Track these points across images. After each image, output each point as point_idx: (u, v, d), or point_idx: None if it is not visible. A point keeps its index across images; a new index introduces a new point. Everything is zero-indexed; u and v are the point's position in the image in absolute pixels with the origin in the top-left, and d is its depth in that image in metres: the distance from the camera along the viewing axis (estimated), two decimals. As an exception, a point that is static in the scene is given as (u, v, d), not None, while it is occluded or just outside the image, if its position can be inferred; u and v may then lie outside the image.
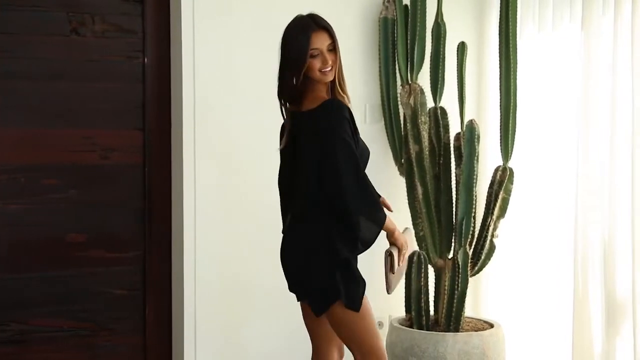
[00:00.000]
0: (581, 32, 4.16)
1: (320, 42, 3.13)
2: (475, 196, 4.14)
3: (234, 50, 4.24)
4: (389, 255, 3.17)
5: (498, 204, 4.19)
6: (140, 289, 4.30)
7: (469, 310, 4.46)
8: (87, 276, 4.20)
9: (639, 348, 3.93)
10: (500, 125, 4.20)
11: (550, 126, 4.41)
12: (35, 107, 4.08)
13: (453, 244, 4.21)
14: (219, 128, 4.21)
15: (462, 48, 4.22)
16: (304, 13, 4.32)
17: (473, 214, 4.14)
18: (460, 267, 4.11)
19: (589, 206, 4.14)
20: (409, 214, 4.33)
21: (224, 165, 4.23)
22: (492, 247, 4.25)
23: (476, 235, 4.22)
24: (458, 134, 4.21)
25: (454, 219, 4.21)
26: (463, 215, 4.12)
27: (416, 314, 4.20)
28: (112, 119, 4.22)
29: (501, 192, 4.19)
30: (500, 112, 4.20)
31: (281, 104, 3.26)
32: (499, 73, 4.19)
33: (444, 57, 4.29)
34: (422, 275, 4.17)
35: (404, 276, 3.24)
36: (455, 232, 4.19)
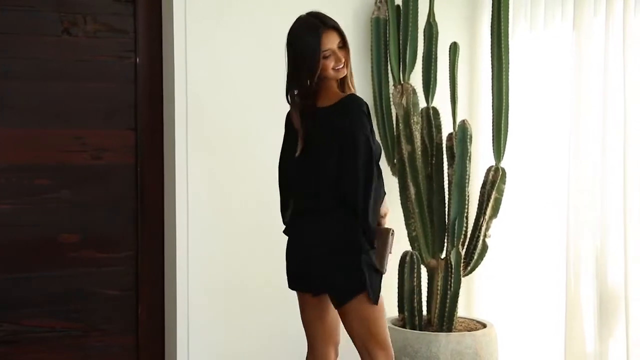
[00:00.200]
0: (573, 31, 4.17)
1: (331, 42, 3.18)
2: (468, 196, 4.14)
3: (226, 50, 4.24)
4: (392, 234, 3.25)
5: (490, 204, 4.20)
6: (133, 289, 4.30)
7: (461, 310, 4.46)
8: (79, 276, 4.19)
9: (632, 347, 3.94)
10: (493, 125, 4.21)
11: (542, 126, 4.42)
12: (27, 107, 4.07)
13: (446, 244, 4.21)
14: (211, 127, 4.21)
15: (454, 48, 4.22)
16: (298, 12, 4.35)
17: (465, 214, 4.14)
18: (453, 267, 4.11)
19: (581, 206, 4.15)
20: (402, 214, 4.33)
21: (216, 165, 4.23)
22: (485, 247, 4.26)
23: (469, 236, 4.23)
24: (450, 134, 4.21)
25: (446, 219, 4.21)
26: (455, 215, 4.12)
27: (409, 314, 4.20)
28: (104, 119, 4.21)
29: (493, 192, 4.19)
30: (493, 112, 4.21)
31: (293, 103, 3.27)
32: (490, 73, 4.20)
33: (436, 57, 4.29)
34: (415, 275, 4.17)
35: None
36: (447, 232, 4.19)
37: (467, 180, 4.11)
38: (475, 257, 4.23)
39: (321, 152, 3.19)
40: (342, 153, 3.14)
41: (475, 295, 4.76)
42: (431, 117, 4.25)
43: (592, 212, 4.11)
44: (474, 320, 4.36)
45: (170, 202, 4.22)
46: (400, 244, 4.04)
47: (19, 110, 4.06)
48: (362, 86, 4.48)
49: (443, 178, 4.24)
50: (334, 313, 3.33)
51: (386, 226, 3.31)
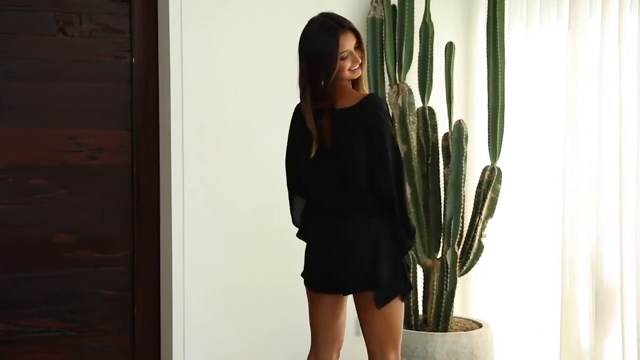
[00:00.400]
0: (568, 31, 4.18)
1: (348, 43, 3.19)
2: (464, 196, 4.14)
3: (222, 50, 4.23)
4: None
5: (486, 204, 4.20)
6: (129, 289, 4.29)
7: (457, 310, 4.46)
8: (75, 277, 4.19)
9: (627, 346, 3.95)
10: (488, 125, 4.21)
11: (538, 126, 4.42)
12: (22, 107, 4.07)
13: (441, 244, 4.22)
14: (207, 128, 4.20)
15: (450, 48, 4.22)
16: (294, 12, 4.35)
17: (461, 214, 4.15)
18: (449, 267, 4.12)
19: (576, 206, 4.15)
20: (398, 214, 4.33)
21: (212, 165, 4.22)
22: (481, 247, 4.26)
23: (464, 235, 4.23)
24: (446, 134, 4.21)
25: (442, 219, 4.22)
26: (451, 215, 4.12)
27: (405, 314, 4.20)
28: (100, 119, 4.20)
29: (489, 192, 4.19)
30: (488, 112, 4.21)
31: (306, 105, 3.23)
32: (486, 73, 4.20)
33: (432, 57, 4.29)
34: (411, 275, 4.17)
35: None
36: (443, 232, 4.19)
37: (463, 180, 4.12)
38: (471, 257, 4.23)
39: (348, 152, 3.18)
40: (372, 152, 3.15)
41: (471, 295, 4.77)
42: (427, 117, 4.26)
43: (587, 212, 4.11)
44: (469, 320, 4.37)
45: (166, 202, 4.22)
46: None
47: (15, 110, 4.05)
48: (358, 86, 4.49)
49: (439, 178, 4.24)
50: (344, 316, 3.36)
51: None
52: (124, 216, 4.26)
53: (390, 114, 3.22)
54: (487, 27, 4.19)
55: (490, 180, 4.19)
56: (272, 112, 4.32)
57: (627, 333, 3.95)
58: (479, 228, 4.21)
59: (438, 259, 4.23)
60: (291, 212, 3.42)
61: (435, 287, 4.20)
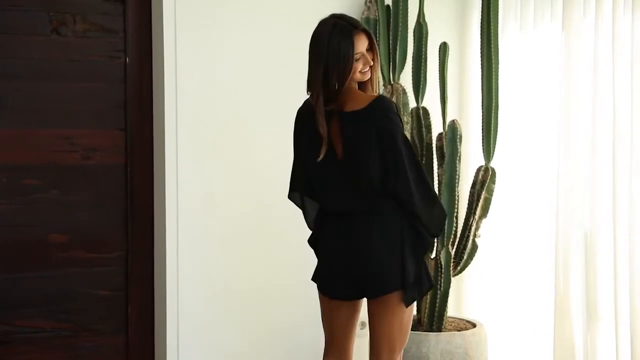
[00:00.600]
0: (562, 32, 4.18)
1: (361, 45, 3.17)
2: (458, 196, 4.15)
3: (216, 50, 4.23)
4: None
5: (480, 204, 4.20)
6: (123, 289, 4.29)
7: (451, 310, 4.47)
8: (69, 277, 4.18)
9: (621, 346, 3.95)
10: (482, 125, 4.21)
11: (532, 126, 4.43)
12: (16, 107, 4.06)
13: (435, 244, 4.22)
14: (201, 128, 4.20)
15: (443, 48, 4.22)
16: (290, 12, 4.36)
17: (455, 214, 4.15)
18: (443, 267, 4.12)
19: (570, 206, 4.16)
20: (392, 214, 4.33)
21: (206, 165, 4.22)
22: (475, 247, 4.26)
23: (458, 235, 4.23)
24: (440, 134, 4.21)
25: (436, 219, 4.21)
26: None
27: (399, 314, 4.20)
28: (94, 119, 4.20)
29: (483, 192, 4.20)
30: (482, 112, 4.21)
31: (318, 107, 3.18)
32: (480, 73, 4.20)
33: (426, 57, 4.29)
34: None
35: None
36: (437, 232, 4.19)
37: (456, 180, 4.12)
38: (465, 257, 4.23)
39: (359, 156, 3.17)
40: (385, 155, 3.14)
41: (465, 295, 4.77)
42: (421, 117, 4.26)
43: (581, 212, 4.12)
44: (463, 320, 4.37)
45: (160, 202, 4.21)
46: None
47: (9, 110, 4.05)
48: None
49: (433, 178, 4.24)
50: (359, 317, 3.39)
51: None
52: (118, 216, 4.26)
53: (405, 116, 3.20)
54: (481, 27, 4.19)
55: (484, 181, 4.19)
56: (266, 112, 4.32)
57: (620, 333, 3.96)
58: (472, 228, 4.21)
59: (432, 258, 4.23)
60: (305, 218, 3.40)
61: (429, 287, 4.20)
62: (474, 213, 4.20)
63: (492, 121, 4.18)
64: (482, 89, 4.20)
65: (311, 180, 3.31)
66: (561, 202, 4.19)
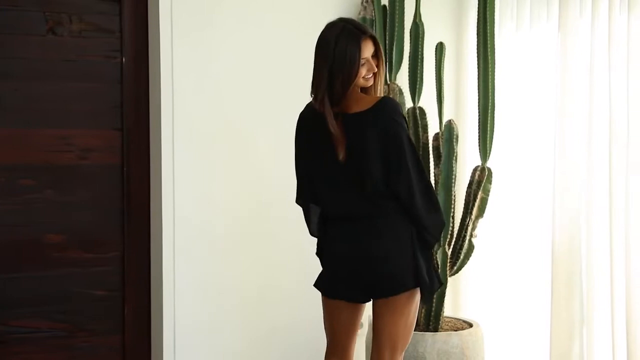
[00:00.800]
0: (558, 32, 4.18)
1: (367, 50, 3.18)
2: (454, 196, 4.15)
3: (212, 50, 4.23)
4: None
5: (477, 204, 4.20)
6: (119, 289, 4.28)
7: (448, 310, 4.47)
8: (65, 277, 4.18)
9: (617, 347, 3.96)
10: (479, 125, 4.21)
11: (528, 126, 4.43)
12: (11, 107, 4.06)
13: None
14: (197, 128, 4.20)
15: (440, 48, 4.22)
16: (287, 12, 4.36)
17: (452, 214, 4.15)
18: (440, 267, 4.12)
19: (566, 206, 4.16)
20: (388, 214, 4.33)
21: (202, 165, 4.22)
22: (471, 247, 4.26)
23: (455, 235, 4.23)
24: (437, 134, 4.21)
25: (433, 219, 4.21)
26: (443, 215, 4.13)
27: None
28: (90, 118, 4.20)
29: (480, 192, 4.20)
30: (479, 112, 4.21)
31: (326, 109, 3.16)
32: (477, 73, 4.20)
33: (422, 57, 4.29)
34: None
35: None
36: (434, 231, 4.19)
37: (453, 180, 4.12)
38: (461, 257, 4.24)
39: (363, 157, 3.16)
40: (389, 157, 3.14)
41: (462, 294, 4.77)
42: (417, 117, 4.26)
43: (577, 211, 4.12)
44: (460, 319, 4.37)
45: (156, 202, 4.21)
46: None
47: (4, 109, 4.04)
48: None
49: (429, 178, 4.24)
50: (358, 320, 3.39)
51: None
52: (114, 216, 4.26)
53: (406, 117, 3.20)
54: (477, 27, 4.19)
55: (480, 180, 4.19)
56: (263, 112, 4.32)
57: (616, 333, 3.96)
58: (469, 228, 4.21)
59: (429, 258, 4.23)
60: (307, 223, 3.38)
61: (425, 287, 4.20)
62: (471, 213, 4.20)
63: (489, 121, 4.18)
64: (478, 89, 4.20)
65: (314, 184, 3.31)
66: (557, 202, 4.19)
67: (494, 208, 4.35)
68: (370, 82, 3.23)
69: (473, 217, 4.21)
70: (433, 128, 4.27)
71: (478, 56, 4.19)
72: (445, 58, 4.25)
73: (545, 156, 4.32)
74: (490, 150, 4.20)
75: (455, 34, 4.77)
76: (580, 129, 4.10)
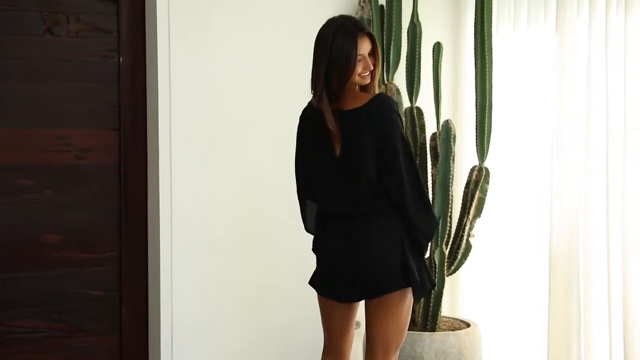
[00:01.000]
0: (556, 32, 4.19)
1: (364, 47, 3.18)
2: (452, 196, 4.14)
3: (210, 50, 4.23)
4: None
5: (474, 204, 4.20)
6: (117, 289, 4.28)
7: (445, 310, 4.47)
8: (63, 277, 4.18)
9: (615, 347, 3.96)
10: (476, 125, 4.21)
11: (526, 126, 4.44)
12: (10, 107, 4.05)
13: (430, 244, 4.21)
14: (195, 128, 4.20)
15: (437, 48, 4.22)
16: (284, 12, 4.36)
17: (449, 214, 4.15)
18: (437, 266, 4.12)
19: (564, 206, 4.16)
20: (386, 214, 4.33)
21: (200, 165, 4.22)
22: (469, 247, 4.26)
23: (452, 235, 4.23)
24: (434, 134, 4.21)
25: (430, 219, 4.21)
26: (439, 215, 4.12)
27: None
28: (88, 118, 4.20)
29: (477, 192, 4.20)
30: (476, 112, 4.21)
31: (325, 106, 3.18)
32: (474, 73, 4.20)
33: (419, 57, 4.29)
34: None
35: None
36: (431, 231, 4.19)
37: (450, 180, 4.12)
38: (459, 257, 4.24)
39: (357, 155, 3.17)
40: (382, 154, 3.14)
41: (459, 294, 4.78)
42: (415, 117, 4.26)
43: (575, 211, 4.12)
44: (457, 319, 4.37)
45: (153, 202, 4.21)
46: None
47: (2, 110, 4.04)
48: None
49: (427, 178, 4.24)
50: (355, 318, 3.38)
51: None
52: (111, 216, 4.26)
53: (401, 114, 3.19)
54: (474, 27, 4.19)
55: (478, 180, 4.20)
56: (260, 112, 4.32)
57: (614, 333, 3.96)
58: (466, 228, 4.21)
59: (426, 258, 4.22)
60: (303, 219, 3.39)
61: (423, 287, 4.20)
62: (468, 213, 4.20)
63: (486, 121, 4.18)
64: (475, 89, 4.20)
65: (312, 181, 3.31)
66: (555, 201, 4.19)
67: (491, 208, 4.35)
68: (367, 80, 3.23)
69: (470, 217, 4.21)
70: (430, 128, 4.27)
71: (475, 56, 4.19)
72: (443, 58, 4.26)
73: (542, 156, 4.32)
74: (487, 150, 4.20)
75: (453, 34, 4.77)
76: (577, 129, 4.10)
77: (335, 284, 3.28)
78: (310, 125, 3.28)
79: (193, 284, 4.22)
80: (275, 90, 4.32)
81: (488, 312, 4.60)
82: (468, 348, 4.09)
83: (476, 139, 4.22)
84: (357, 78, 3.19)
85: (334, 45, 3.14)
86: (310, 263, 3.46)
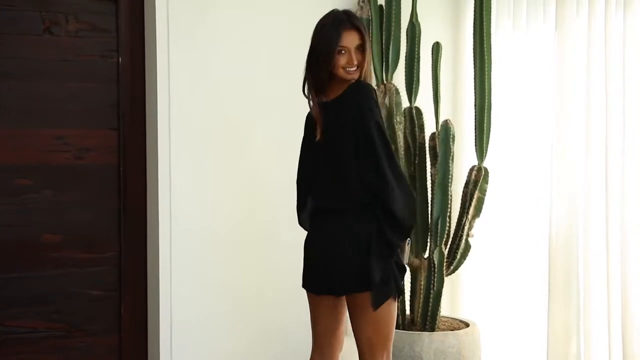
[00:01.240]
0: (555, 32, 4.19)
1: (349, 40, 3.18)
2: (451, 196, 4.14)
3: (209, 49, 4.23)
4: (407, 243, 3.30)
5: (473, 204, 4.20)
6: (116, 289, 4.28)
7: (444, 310, 4.46)
8: (62, 277, 4.18)
9: (614, 347, 3.96)
10: (475, 125, 4.21)
11: (525, 126, 4.44)
12: (9, 107, 4.05)
13: (429, 244, 4.21)
14: (194, 127, 4.20)
15: (436, 48, 4.22)
16: (283, 12, 4.36)
17: (448, 214, 4.15)
18: (436, 266, 4.12)
19: (563, 205, 4.16)
20: (385, 214, 4.33)
21: (199, 165, 4.22)
22: (468, 247, 4.26)
23: (452, 235, 4.23)
24: (433, 134, 4.21)
25: (429, 219, 4.21)
26: (438, 215, 4.13)
27: (393, 314, 4.20)
28: (87, 118, 4.20)
29: (476, 192, 4.20)
30: (475, 111, 4.21)
31: (309, 97, 3.24)
32: (473, 73, 4.20)
33: (419, 57, 4.29)
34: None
35: None
36: (430, 231, 4.19)
37: (450, 180, 4.12)
38: (458, 257, 4.24)
39: (335, 146, 3.18)
40: (358, 144, 3.12)
41: (458, 294, 4.78)
42: (414, 117, 4.25)
43: (574, 211, 4.12)
44: (457, 319, 4.37)
45: (153, 201, 4.21)
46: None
47: (1, 110, 4.04)
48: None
49: (426, 178, 4.24)
50: (345, 319, 3.34)
51: None
52: (110, 216, 4.26)
53: (378, 101, 3.18)
54: (474, 27, 4.19)
55: (477, 180, 4.20)
56: (259, 111, 4.32)
57: (613, 333, 3.96)
58: (466, 228, 4.21)
59: (425, 258, 4.23)
60: (297, 212, 3.39)
61: (422, 287, 4.20)
62: (467, 213, 4.20)
63: (485, 121, 4.18)
64: (475, 89, 4.20)
65: (310, 177, 3.33)
66: (554, 201, 4.19)
67: (490, 208, 4.35)
68: (354, 76, 3.20)
69: (470, 216, 4.21)
70: (429, 128, 4.27)
71: (475, 56, 4.19)
72: (442, 58, 4.25)
73: (542, 156, 4.32)
74: (486, 150, 4.20)
75: (452, 33, 4.77)
76: (576, 128, 4.11)
77: (312, 275, 3.29)
78: (311, 125, 3.31)
79: (192, 284, 4.22)
80: (275, 89, 4.31)
81: (487, 312, 4.60)
82: (467, 348, 4.09)
83: (475, 138, 4.22)
84: (341, 72, 3.18)
85: (321, 34, 3.19)
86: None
